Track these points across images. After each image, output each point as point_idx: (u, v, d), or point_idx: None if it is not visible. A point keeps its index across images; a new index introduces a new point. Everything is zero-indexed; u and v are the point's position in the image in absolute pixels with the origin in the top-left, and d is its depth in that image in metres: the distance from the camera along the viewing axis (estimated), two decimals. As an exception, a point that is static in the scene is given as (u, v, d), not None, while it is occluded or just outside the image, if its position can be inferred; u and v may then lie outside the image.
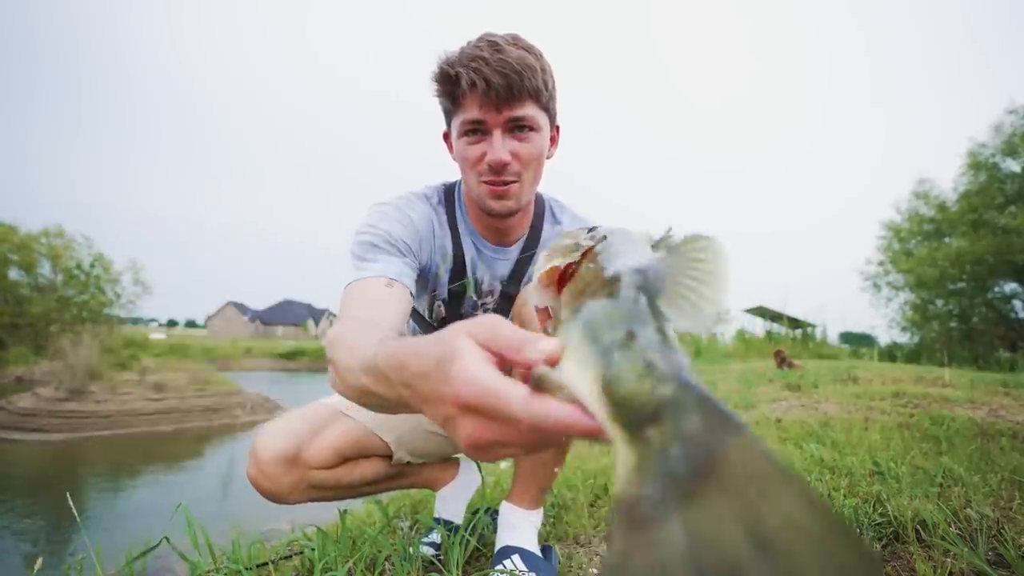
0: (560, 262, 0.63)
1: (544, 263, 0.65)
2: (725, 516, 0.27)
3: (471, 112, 1.09)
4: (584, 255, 0.62)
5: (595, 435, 0.38)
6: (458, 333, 0.48)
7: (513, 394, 0.41)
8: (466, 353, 0.45)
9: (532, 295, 0.65)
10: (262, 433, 1.18)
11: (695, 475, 0.29)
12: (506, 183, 1.13)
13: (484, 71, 1.04)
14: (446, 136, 1.24)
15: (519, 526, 1.25)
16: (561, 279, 0.65)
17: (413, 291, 1.11)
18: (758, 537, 0.26)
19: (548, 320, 0.68)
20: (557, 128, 1.25)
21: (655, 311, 0.40)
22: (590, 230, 0.70)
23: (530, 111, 1.10)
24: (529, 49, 1.11)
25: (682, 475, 0.29)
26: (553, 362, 0.42)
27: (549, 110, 1.17)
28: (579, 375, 0.38)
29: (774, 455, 0.29)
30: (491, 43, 1.08)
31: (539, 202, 1.37)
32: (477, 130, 1.11)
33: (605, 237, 0.63)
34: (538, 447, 0.44)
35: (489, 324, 0.47)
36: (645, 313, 0.39)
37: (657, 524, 0.29)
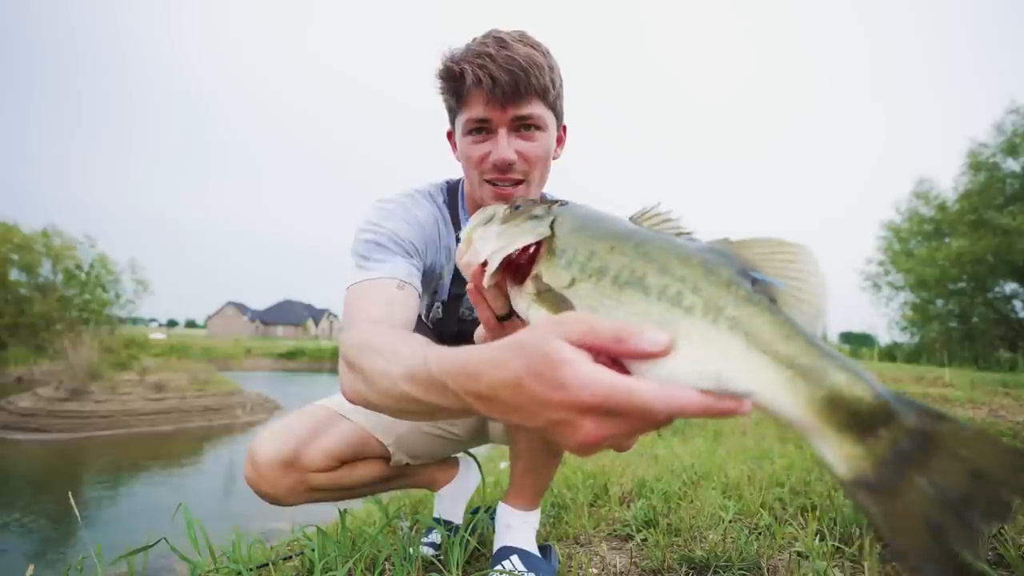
0: (513, 248, 0.61)
1: (487, 244, 0.64)
2: (952, 468, 0.42)
3: (476, 110, 1.06)
4: (539, 242, 0.62)
5: (731, 414, 0.45)
6: (547, 336, 0.49)
7: (644, 388, 0.45)
8: (571, 356, 0.47)
9: (487, 281, 0.64)
10: (260, 437, 1.18)
11: (923, 450, 0.43)
12: (511, 184, 1.10)
13: (490, 68, 1.01)
14: (450, 135, 1.22)
15: (517, 527, 1.25)
16: (513, 265, 0.63)
17: (421, 294, 1.11)
18: (976, 474, 0.42)
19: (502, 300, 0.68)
20: (564, 128, 1.22)
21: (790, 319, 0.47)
22: (516, 207, 0.69)
23: (537, 110, 1.07)
24: (536, 46, 1.08)
25: (909, 453, 0.43)
26: (666, 352, 0.46)
27: (556, 109, 1.14)
28: (740, 369, 0.45)
29: (969, 426, 0.43)
30: (497, 39, 1.05)
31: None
32: (482, 129, 1.08)
33: (554, 219, 0.62)
34: (647, 431, 0.50)
35: (579, 320, 0.49)
36: (796, 323, 0.46)
37: (901, 489, 0.43)
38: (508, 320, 0.73)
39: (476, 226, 0.70)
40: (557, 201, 0.68)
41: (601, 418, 0.46)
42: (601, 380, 0.45)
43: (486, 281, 0.64)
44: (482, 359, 0.54)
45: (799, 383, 0.44)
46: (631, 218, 0.62)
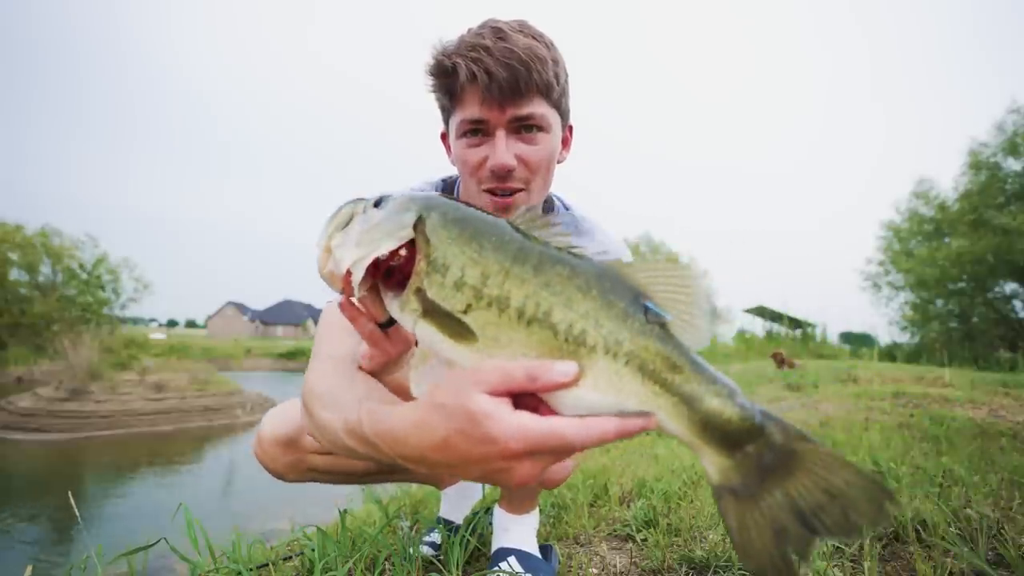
0: (377, 254, 0.57)
1: (348, 252, 0.59)
2: (807, 483, 0.50)
3: (471, 110, 0.97)
4: (412, 243, 0.58)
5: (640, 432, 0.51)
6: (465, 392, 0.51)
7: (567, 427, 0.50)
8: (493, 409, 0.50)
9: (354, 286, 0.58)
10: (268, 415, 1.17)
11: (783, 465, 0.50)
12: (512, 192, 1.00)
13: (486, 62, 0.91)
14: (444, 137, 1.14)
15: (513, 529, 1.24)
16: (383, 267, 0.60)
17: None
18: (829, 491, 0.49)
19: (364, 317, 0.65)
20: (570, 128, 1.12)
21: (675, 339, 0.53)
22: (377, 204, 0.62)
23: (539, 109, 0.97)
24: (538, 37, 0.98)
25: (773, 467, 0.51)
26: (576, 380, 0.51)
27: (561, 107, 1.04)
28: (636, 395, 0.51)
29: (829, 448, 0.50)
30: (494, 30, 0.95)
31: (547, 204, 1.25)
32: (478, 130, 0.99)
33: (419, 219, 0.58)
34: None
35: (493, 368, 0.51)
36: (679, 342, 0.52)
37: (760, 496, 0.51)
38: (392, 327, 0.69)
39: (332, 232, 0.63)
40: (424, 195, 0.62)
41: (531, 458, 0.51)
42: (527, 428, 0.49)
43: (356, 293, 0.59)
44: (406, 423, 0.55)
45: (682, 408, 0.51)
46: (509, 220, 0.58)
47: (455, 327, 0.54)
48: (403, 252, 0.60)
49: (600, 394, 0.52)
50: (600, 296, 0.52)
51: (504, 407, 0.50)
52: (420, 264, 0.57)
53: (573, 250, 0.56)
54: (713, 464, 0.52)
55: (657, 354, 0.51)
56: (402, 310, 0.58)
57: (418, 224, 0.58)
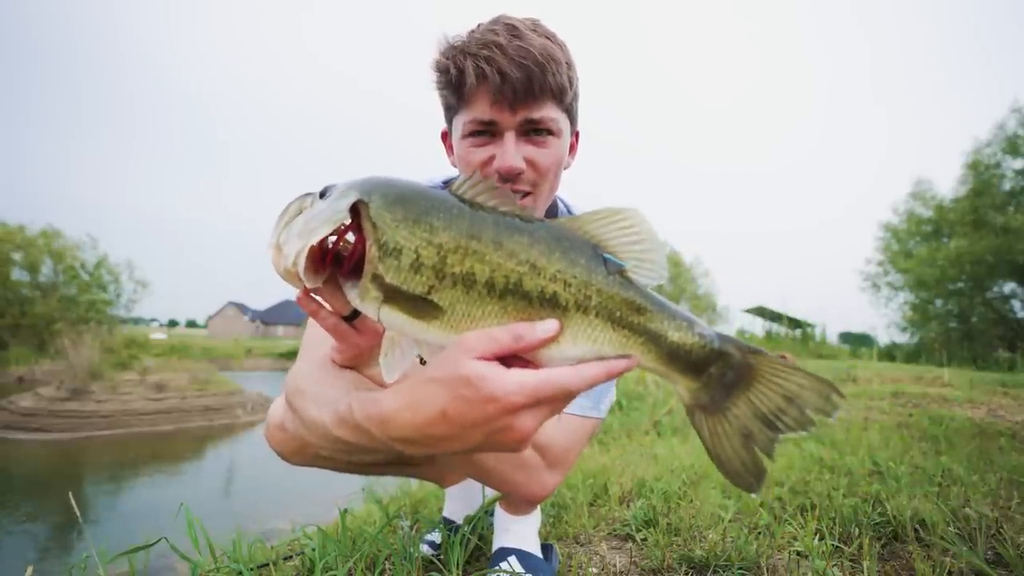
0: (313, 241, 0.56)
1: (292, 245, 0.57)
2: (767, 391, 0.57)
3: (480, 110, 0.92)
4: (353, 227, 0.58)
5: (627, 371, 0.57)
6: (458, 361, 0.52)
7: (561, 374, 0.54)
8: (489, 371, 0.52)
9: (304, 278, 0.57)
10: (277, 400, 1.18)
11: (743, 379, 0.58)
12: (519, 196, 0.97)
13: (499, 62, 0.87)
14: (444, 136, 1.10)
15: (513, 529, 1.24)
16: (329, 256, 0.59)
17: None
18: (785, 394, 0.57)
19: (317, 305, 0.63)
20: (577, 134, 1.09)
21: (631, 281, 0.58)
22: (322, 194, 0.60)
23: (551, 112, 0.94)
24: (552, 37, 0.94)
25: (735, 382, 0.58)
26: (557, 334, 0.55)
27: (571, 112, 1.01)
28: (610, 342, 0.57)
29: (780, 358, 0.58)
30: (508, 27, 0.91)
31: (551, 207, 1.21)
32: (485, 131, 0.95)
33: (359, 203, 0.56)
34: (565, 406, 0.58)
35: (478, 336, 0.53)
36: (639, 286, 0.58)
37: (727, 408, 0.59)
38: (358, 318, 0.67)
39: (280, 228, 0.60)
40: (364, 179, 0.60)
41: (532, 410, 0.54)
42: (525, 381, 0.52)
43: (307, 284, 0.58)
44: (398, 406, 0.55)
45: (650, 345, 0.57)
46: (452, 191, 0.58)
47: (422, 307, 0.55)
48: (350, 239, 0.59)
49: (579, 347, 0.56)
50: (563, 257, 0.56)
51: (496, 367, 0.52)
52: (371, 250, 0.56)
53: (523, 214, 0.58)
54: (684, 388, 0.60)
55: (622, 301, 0.56)
56: (362, 299, 0.57)
57: (362, 209, 0.57)
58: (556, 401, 0.55)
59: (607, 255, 0.57)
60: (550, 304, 0.55)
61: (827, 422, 0.57)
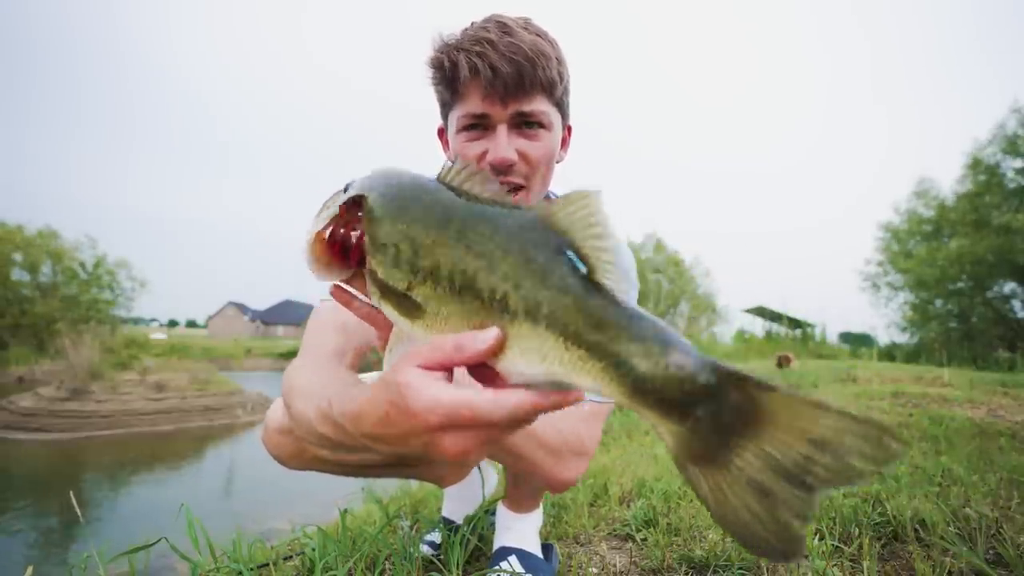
0: (314, 230, 0.56)
1: (304, 234, 0.58)
2: (785, 437, 0.40)
3: (472, 104, 0.96)
4: (347, 216, 0.57)
5: (564, 406, 0.46)
6: (399, 365, 0.49)
7: (477, 399, 0.45)
8: (413, 380, 0.47)
9: (316, 271, 0.58)
10: (275, 403, 1.18)
11: (748, 422, 0.41)
12: (511, 187, 0.99)
13: (490, 56, 0.91)
14: (441, 132, 1.13)
15: (515, 528, 1.25)
16: (337, 248, 0.59)
17: None
18: (814, 441, 0.40)
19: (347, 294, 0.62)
20: (569, 128, 1.12)
21: (608, 291, 0.46)
22: (344, 191, 0.61)
23: (541, 106, 0.97)
24: (543, 34, 0.98)
25: (735, 426, 0.41)
26: (499, 350, 0.46)
27: (562, 106, 1.05)
28: (560, 362, 0.45)
29: (797, 392, 0.41)
30: (499, 24, 0.95)
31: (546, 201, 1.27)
32: (478, 125, 0.98)
33: (354, 197, 0.56)
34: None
35: (424, 343, 0.49)
36: (607, 294, 0.45)
37: (730, 460, 0.42)
38: None
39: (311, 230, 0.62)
40: (373, 173, 0.60)
41: (454, 433, 0.47)
42: (439, 399, 0.46)
43: (315, 276, 0.58)
44: (362, 400, 0.53)
45: (611, 372, 0.43)
46: (439, 177, 0.55)
47: (406, 305, 0.52)
48: (359, 231, 0.58)
49: (529, 364, 0.46)
50: (519, 253, 0.46)
51: (426, 379, 0.47)
52: (367, 245, 0.55)
53: (501, 200, 0.51)
54: (666, 432, 0.44)
55: (578, 312, 0.44)
56: (369, 294, 0.57)
57: (363, 204, 0.56)
58: (474, 427, 0.47)
59: (569, 253, 0.46)
60: (500, 307, 0.46)
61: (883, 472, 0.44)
